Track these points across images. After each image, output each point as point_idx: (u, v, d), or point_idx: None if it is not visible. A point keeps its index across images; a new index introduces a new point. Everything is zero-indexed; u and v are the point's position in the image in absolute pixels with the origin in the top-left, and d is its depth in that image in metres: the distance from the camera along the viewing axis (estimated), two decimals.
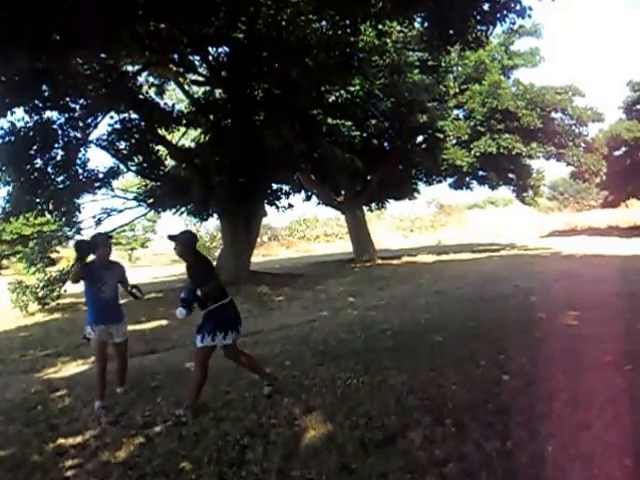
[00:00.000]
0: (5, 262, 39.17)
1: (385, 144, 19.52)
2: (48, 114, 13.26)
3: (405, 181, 22.79)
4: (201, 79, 15.71)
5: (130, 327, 9.67)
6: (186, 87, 16.56)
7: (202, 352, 4.16)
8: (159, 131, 15.28)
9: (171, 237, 4.25)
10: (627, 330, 5.36)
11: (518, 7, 8.16)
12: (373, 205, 25.19)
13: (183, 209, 18.50)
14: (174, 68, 15.02)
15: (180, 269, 31.18)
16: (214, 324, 4.12)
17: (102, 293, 4.65)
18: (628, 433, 3.00)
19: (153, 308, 12.12)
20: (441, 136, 19.75)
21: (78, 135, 13.87)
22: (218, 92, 15.27)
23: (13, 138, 12.67)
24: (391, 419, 3.53)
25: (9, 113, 12.20)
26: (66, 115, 13.40)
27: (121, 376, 4.93)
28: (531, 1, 24.61)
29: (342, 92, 15.29)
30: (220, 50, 14.22)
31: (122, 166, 15.39)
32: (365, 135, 17.66)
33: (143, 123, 14.68)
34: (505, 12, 8.28)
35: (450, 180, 24.40)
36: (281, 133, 13.07)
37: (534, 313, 6.94)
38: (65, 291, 14.77)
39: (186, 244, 4.26)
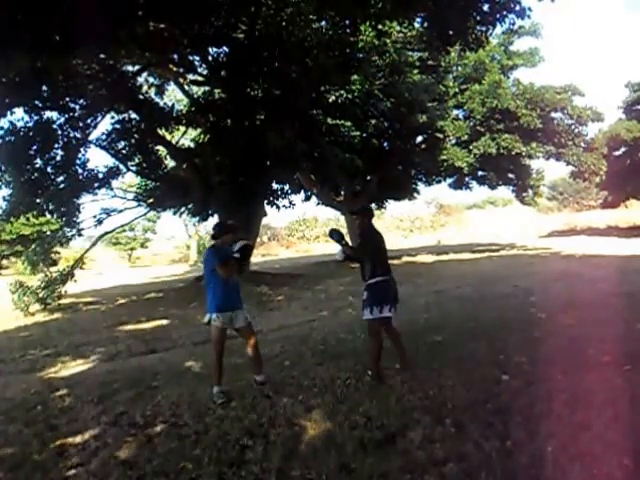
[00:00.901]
0: (5, 262, 39.17)
1: (385, 144, 19.52)
2: (48, 114, 13.30)
3: (405, 181, 22.80)
4: (201, 79, 15.70)
5: (130, 327, 9.76)
6: (186, 87, 16.57)
7: (373, 324, 4.52)
8: (159, 131, 15.28)
9: (353, 212, 5.10)
10: (626, 330, 5.37)
11: (518, 8, 8.18)
12: (373, 205, 25.20)
13: (183, 209, 18.53)
14: (174, 68, 15.03)
15: (180, 269, 31.22)
16: (378, 297, 4.49)
17: (229, 281, 4.54)
18: (628, 433, 3.01)
19: (153, 308, 12.13)
20: (441, 136, 19.77)
21: (78, 135, 13.88)
22: (218, 92, 15.27)
23: (13, 138, 12.68)
24: (390, 419, 3.53)
25: (9, 113, 12.22)
26: (66, 115, 13.41)
27: (257, 363, 4.72)
28: (531, 1, 24.64)
29: (342, 92, 15.29)
30: (220, 50, 14.22)
31: (122, 166, 15.41)
32: (365, 135, 17.66)
33: (143, 123, 14.68)
34: (505, 13, 8.30)
35: (450, 180, 24.44)
36: (284, 133, 13.07)
37: (534, 313, 6.95)
38: (66, 292, 14.78)
39: (366, 216, 4.88)
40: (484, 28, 8.75)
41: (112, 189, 16.01)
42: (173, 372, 5.58)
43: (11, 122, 12.65)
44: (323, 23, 12.75)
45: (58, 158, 13.58)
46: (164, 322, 9.96)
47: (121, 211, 17.18)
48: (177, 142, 18.33)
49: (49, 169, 13.53)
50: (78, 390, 5.16)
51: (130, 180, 23.68)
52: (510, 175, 23.46)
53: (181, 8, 9.03)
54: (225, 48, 13.88)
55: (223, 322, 4.48)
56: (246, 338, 4.70)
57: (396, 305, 4.63)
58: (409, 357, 4.73)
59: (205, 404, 4.26)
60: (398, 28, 16.49)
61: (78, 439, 3.78)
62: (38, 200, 13.77)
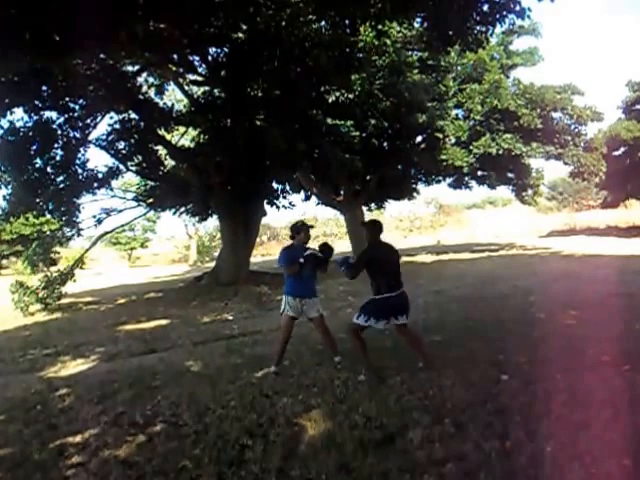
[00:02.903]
0: (5, 262, 39.16)
1: (385, 144, 19.51)
2: (48, 114, 13.31)
3: (404, 181, 22.80)
4: (201, 79, 15.70)
5: (130, 327, 9.76)
6: (186, 87, 16.57)
7: (354, 326, 4.71)
8: (158, 131, 15.29)
9: (363, 223, 5.20)
10: (626, 330, 5.38)
11: (517, 8, 8.16)
12: (372, 205, 25.21)
13: (183, 209, 18.54)
14: (174, 68, 15.03)
15: (180, 269, 31.22)
16: (372, 310, 4.63)
17: (301, 276, 5.14)
18: (627, 433, 3.01)
19: (153, 308, 12.15)
20: (441, 136, 19.76)
21: (78, 135, 13.90)
22: (218, 92, 15.28)
23: (13, 138, 12.68)
24: (390, 419, 3.54)
25: (9, 113, 12.23)
26: (66, 115, 13.43)
27: (331, 347, 5.23)
28: (530, 1, 24.66)
29: (342, 92, 15.29)
30: (220, 50, 14.22)
31: (122, 166, 15.41)
32: (365, 135, 17.65)
33: (143, 123, 14.69)
34: (504, 13, 8.28)
35: (449, 180, 24.44)
36: (284, 133, 13.08)
37: (533, 313, 6.96)
38: (66, 292, 14.79)
39: (370, 230, 4.95)
40: (484, 28, 8.73)
41: (112, 189, 16.04)
42: (173, 372, 5.58)
43: (11, 122, 12.68)
44: (323, 23, 12.75)
45: (58, 158, 13.60)
46: (164, 322, 9.97)
47: (121, 211, 17.22)
48: (177, 142, 18.35)
49: (49, 169, 13.53)
50: (78, 390, 5.16)
51: (130, 180, 23.71)
52: (510, 175, 23.43)
53: (181, 8, 9.02)
54: (225, 48, 13.88)
55: (294, 311, 5.14)
56: (317, 327, 5.29)
57: (407, 314, 4.71)
58: (429, 357, 4.77)
59: (205, 404, 4.26)
60: (398, 28, 16.49)
61: (78, 439, 3.78)
62: (38, 200, 13.77)
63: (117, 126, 14.74)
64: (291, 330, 5.24)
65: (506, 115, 20.03)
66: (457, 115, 21.67)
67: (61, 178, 13.86)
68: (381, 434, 3.32)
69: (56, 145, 13.39)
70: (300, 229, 5.27)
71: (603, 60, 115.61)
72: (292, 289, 5.20)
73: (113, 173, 15.20)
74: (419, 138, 20.54)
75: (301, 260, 5.05)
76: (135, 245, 44.66)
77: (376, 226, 4.91)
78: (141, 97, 14.68)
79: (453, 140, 20.96)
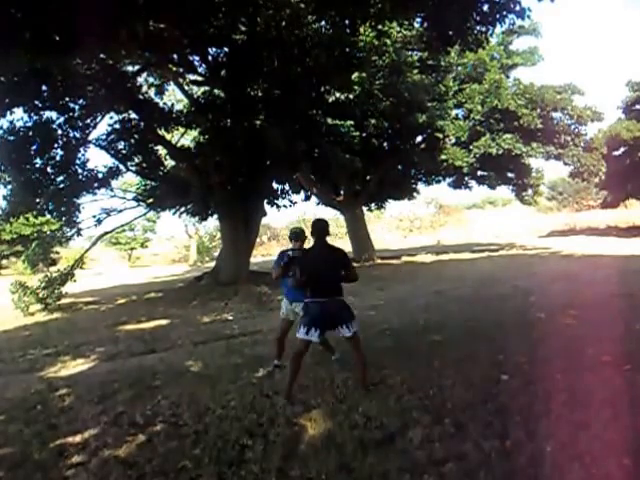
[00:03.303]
0: (5, 262, 39.17)
1: (385, 144, 19.53)
2: (47, 114, 13.29)
3: (404, 181, 22.82)
4: (201, 79, 15.70)
5: (130, 327, 9.75)
6: (186, 87, 16.57)
7: (299, 343, 4.35)
8: (158, 131, 15.28)
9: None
10: (626, 330, 5.38)
11: (517, 8, 8.15)
12: (372, 205, 25.22)
13: (183, 209, 18.53)
14: (174, 68, 15.03)
15: (180, 269, 31.22)
16: (307, 319, 4.30)
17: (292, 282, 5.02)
18: (626, 433, 3.01)
19: (153, 308, 12.14)
20: (440, 136, 19.77)
21: (77, 135, 13.89)
22: (218, 92, 15.28)
23: (13, 138, 12.68)
24: (390, 418, 3.54)
25: (9, 113, 12.22)
26: (65, 115, 13.41)
27: (328, 349, 5.24)
28: (530, 1, 24.65)
29: (342, 92, 15.29)
30: (220, 50, 14.22)
31: (122, 166, 15.41)
32: (365, 135, 17.67)
33: (143, 123, 14.69)
34: (504, 13, 8.27)
35: (449, 180, 24.46)
36: (284, 133, 13.08)
37: (533, 313, 6.96)
38: (66, 292, 14.78)
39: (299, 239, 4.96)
40: (484, 28, 8.72)
41: (112, 189, 16.03)
42: (173, 372, 5.58)
43: (11, 122, 12.67)
44: (323, 23, 12.75)
45: (58, 158, 13.58)
46: (164, 322, 9.97)
47: (121, 211, 17.19)
48: (177, 142, 18.34)
49: (49, 169, 13.52)
50: (78, 390, 5.16)
51: (130, 180, 23.71)
52: (510, 175, 23.46)
53: (181, 8, 9.03)
54: (225, 48, 13.88)
55: (287, 314, 5.20)
56: None
57: (340, 325, 4.24)
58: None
59: (205, 404, 4.26)
60: (398, 28, 16.50)
61: (78, 439, 3.79)
62: (38, 200, 13.77)
63: (117, 126, 14.73)
64: (286, 332, 5.22)
65: (506, 115, 20.04)
66: (457, 115, 21.70)
67: (61, 178, 13.85)
68: (381, 434, 3.32)
69: (56, 145, 13.38)
70: (296, 237, 5.18)
71: (603, 60, 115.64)
72: (286, 292, 5.20)
73: (113, 173, 15.19)
74: (419, 138, 20.56)
75: (281, 263, 5.02)
76: (135, 245, 44.66)
77: (315, 226, 4.47)
78: (141, 97, 14.67)
79: (453, 140, 20.97)
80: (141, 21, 8.68)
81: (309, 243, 4.92)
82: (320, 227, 4.44)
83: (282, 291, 5.37)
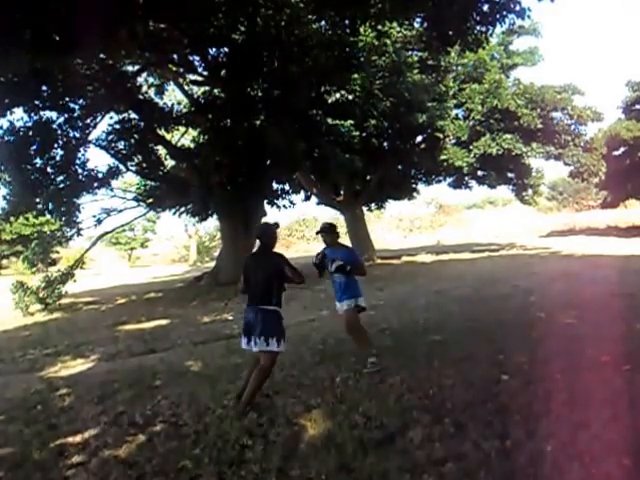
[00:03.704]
0: (5, 262, 39.17)
1: (385, 144, 19.52)
2: (47, 114, 13.31)
3: (404, 181, 22.81)
4: (201, 79, 15.72)
5: (130, 327, 9.76)
6: (186, 87, 16.58)
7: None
8: (158, 131, 15.29)
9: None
10: (626, 330, 5.37)
11: (517, 8, 8.16)
12: (372, 205, 25.22)
13: (183, 209, 18.54)
14: (173, 68, 15.05)
15: (180, 269, 31.21)
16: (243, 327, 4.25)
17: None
18: (626, 433, 3.01)
19: (153, 308, 12.15)
20: (441, 136, 19.77)
21: (77, 135, 13.90)
22: (218, 92, 15.29)
23: (13, 138, 12.68)
24: (390, 418, 3.54)
25: (9, 113, 12.22)
26: (65, 115, 13.43)
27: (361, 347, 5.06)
28: (531, 1, 24.64)
29: (342, 92, 15.29)
30: (219, 50, 14.23)
31: (122, 166, 15.41)
32: (365, 135, 17.66)
33: (143, 123, 14.69)
34: (504, 13, 8.28)
35: (449, 180, 24.45)
36: (284, 133, 13.09)
37: (533, 313, 6.95)
38: (66, 292, 14.79)
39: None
40: (484, 28, 8.73)
41: (112, 189, 16.04)
42: (173, 372, 5.58)
43: (11, 122, 12.68)
44: (323, 23, 12.75)
45: (58, 158, 13.60)
46: (164, 322, 9.97)
47: (121, 211, 17.22)
48: (177, 142, 18.35)
49: (49, 169, 13.54)
50: (78, 390, 5.16)
51: (130, 180, 23.71)
52: (510, 175, 23.45)
53: (181, 8, 9.03)
54: (225, 48, 13.89)
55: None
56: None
57: (257, 337, 3.99)
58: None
59: (205, 404, 4.26)
60: (398, 28, 16.50)
61: (78, 438, 3.78)
62: (38, 200, 13.78)
63: (117, 126, 14.74)
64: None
65: (506, 115, 20.04)
66: (457, 115, 21.68)
67: (61, 178, 13.87)
68: (381, 434, 3.32)
69: (56, 145, 13.39)
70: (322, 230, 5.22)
71: (603, 60, 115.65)
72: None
73: (113, 173, 15.20)
74: (419, 138, 20.56)
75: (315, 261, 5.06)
76: (135, 245, 44.69)
77: (262, 231, 4.34)
78: (141, 97, 14.68)
79: (453, 140, 20.97)
80: (141, 21, 8.71)
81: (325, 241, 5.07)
82: (261, 232, 4.37)
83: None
